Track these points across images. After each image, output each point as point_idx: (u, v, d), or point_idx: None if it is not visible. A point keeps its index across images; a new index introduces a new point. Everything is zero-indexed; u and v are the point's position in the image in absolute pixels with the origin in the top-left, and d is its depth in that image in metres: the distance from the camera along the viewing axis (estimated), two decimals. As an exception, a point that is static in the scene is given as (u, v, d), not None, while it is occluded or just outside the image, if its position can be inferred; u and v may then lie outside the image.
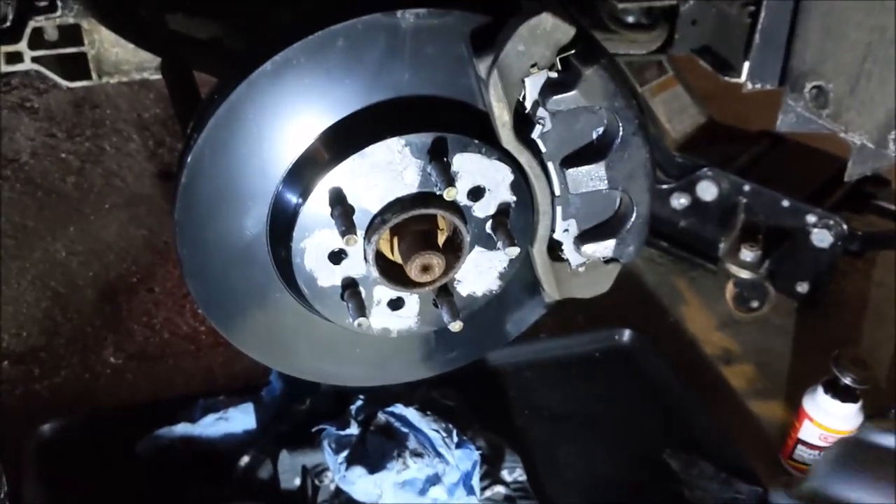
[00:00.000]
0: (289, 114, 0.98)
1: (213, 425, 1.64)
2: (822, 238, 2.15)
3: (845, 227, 2.13)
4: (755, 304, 2.14)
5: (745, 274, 2.09)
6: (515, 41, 0.95)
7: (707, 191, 2.22)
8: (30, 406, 1.77)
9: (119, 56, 1.62)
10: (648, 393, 1.91)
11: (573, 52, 0.97)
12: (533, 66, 0.97)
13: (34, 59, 1.56)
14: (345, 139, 0.99)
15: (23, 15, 1.51)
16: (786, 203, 2.15)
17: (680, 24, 1.67)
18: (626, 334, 2.00)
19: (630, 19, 1.70)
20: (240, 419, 1.65)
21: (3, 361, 1.86)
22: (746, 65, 1.59)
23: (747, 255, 2.08)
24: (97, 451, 1.65)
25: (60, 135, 2.60)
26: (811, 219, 2.14)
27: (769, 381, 2.01)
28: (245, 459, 1.54)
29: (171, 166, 2.50)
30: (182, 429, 1.63)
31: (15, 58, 1.56)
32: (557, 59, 0.98)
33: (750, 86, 1.56)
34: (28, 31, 1.52)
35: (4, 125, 2.59)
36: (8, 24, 1.50)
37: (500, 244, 1.06)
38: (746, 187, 2.18)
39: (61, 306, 2.00)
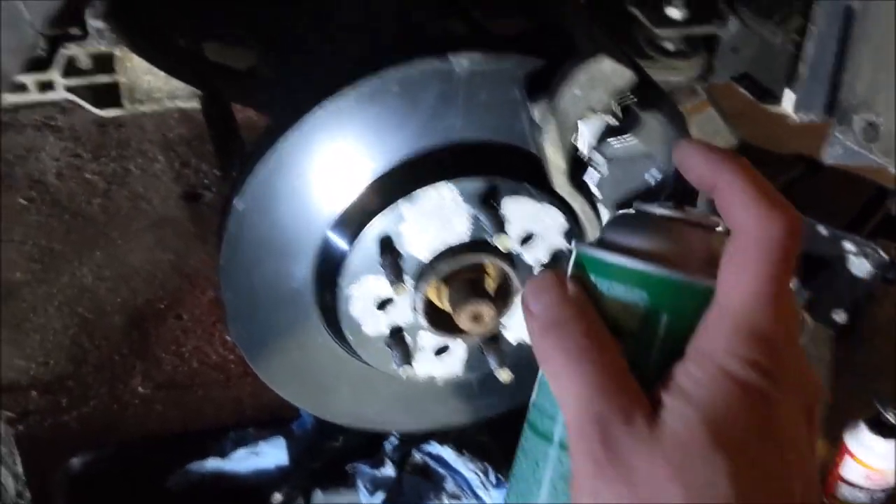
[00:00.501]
0: (339, 160, 0.95)
1: (244, 460, 1.62)
2: (860, 266, 2.10)
3: (884, 255, 2.08)
4: (792, 333, 2.10)
5: (782, 303, 2.05)
6: (572, 85, 0.92)
7: (742, 217, 2.18)
8: (58, 437, 1.75)
9: (151, 84, 1.60)
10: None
11: (631, 95, 0.94)
12: (589, 110, 0.94)
13: (67, 88, 1.54)
14: (395, 184, 0.97)
15: (55, 43, 1.50)
16: (823, 231, 2.11)
17: (720, 51, 1.64)
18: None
19: (669, 46, 1.66)
20: (271, 454, 1.63)
21: (32, 391, 1.84)
22: (790, 94, 1.56)
23: (785, 283, 2.04)
24: (127, 485, 1.63)
25: (86, 155, 2.59)
26: (849, 247, 2.10)
27: (808, 414, 1.97)
28: (277, 497, 1.51)
29: (197, 188, 2.49)
30: (213, 463, 1.61)
31: (47, 86, 1.54)
32: (614, 103, 0.95)
33: (795, 117, 1.53)
34: (61, 59, 1.51)
35: (30, 145, 2.58)
36: (41, 52, 1.48)
37: (551, 291, 1.03)
38: (783, 214, 2.14)
39: (89, 333, 1.98)
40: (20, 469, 1.17)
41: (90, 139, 2.65)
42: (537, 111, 0.93)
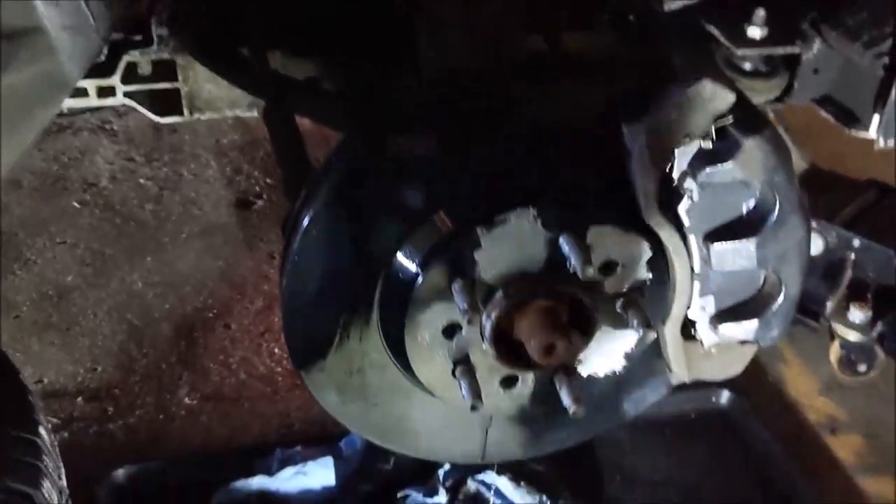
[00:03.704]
0: (413, 179, 0.90)
1: (291, 479, 1.57)
2: (938, 300, 1.99)
3: (964, 288, 1.97)
4: (862, 367, 2.00)
5: (853, 336, 1.95)
6: (669, 109, 0.85)
7: (812, 244, 2.08)
8: (102, 446, 1.72)
9: (212, 93, 1.56)
10: (748, 461, 1.78)
11: (731, 119, 0.87)
12: (686, 135, 0.87)
13: (126, 94, 1.51)
14: (470, 206, 0.91)
15: (117, 49, 1.47)
16: (900, 261, 2.01)
17: (801, 71, 1.56)
18: (724, 395, 1.88)
19: (748, 66, 1.58)
20: (319, 474, 1.58)
21: (78, 397, 1.82)
22: (876, 118, 1.48)
23: (857, 315, 1.94)
24: (171, 499, 1.59)
25: (139, 159, 2.58)
26: (927, 279, 1.99)
27: (879, 454, 1.87)
28: (325, 521, 1.46)
29: (249, 195, 2.46)
30: (259, 482, 1.56)
31: (107, 91, 1.51)
32: (712, 127, 0.88)
33: (882, 143, 1.44)
34: (122, 65, 1.48)
35: (84, 147, 2.57)
36: (102, 58, 1.46)
37: (633, 325, 0.96)
38: (856, 242, 2.03)
39: (137, 340, 1.95)
40: (65, 483, 1.13)
41: (144, 142, 2.63)
42: (631, 136, 0.87)
